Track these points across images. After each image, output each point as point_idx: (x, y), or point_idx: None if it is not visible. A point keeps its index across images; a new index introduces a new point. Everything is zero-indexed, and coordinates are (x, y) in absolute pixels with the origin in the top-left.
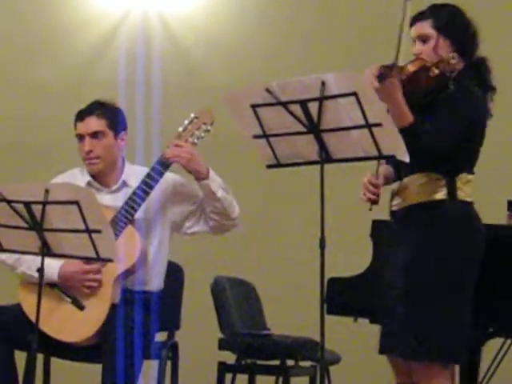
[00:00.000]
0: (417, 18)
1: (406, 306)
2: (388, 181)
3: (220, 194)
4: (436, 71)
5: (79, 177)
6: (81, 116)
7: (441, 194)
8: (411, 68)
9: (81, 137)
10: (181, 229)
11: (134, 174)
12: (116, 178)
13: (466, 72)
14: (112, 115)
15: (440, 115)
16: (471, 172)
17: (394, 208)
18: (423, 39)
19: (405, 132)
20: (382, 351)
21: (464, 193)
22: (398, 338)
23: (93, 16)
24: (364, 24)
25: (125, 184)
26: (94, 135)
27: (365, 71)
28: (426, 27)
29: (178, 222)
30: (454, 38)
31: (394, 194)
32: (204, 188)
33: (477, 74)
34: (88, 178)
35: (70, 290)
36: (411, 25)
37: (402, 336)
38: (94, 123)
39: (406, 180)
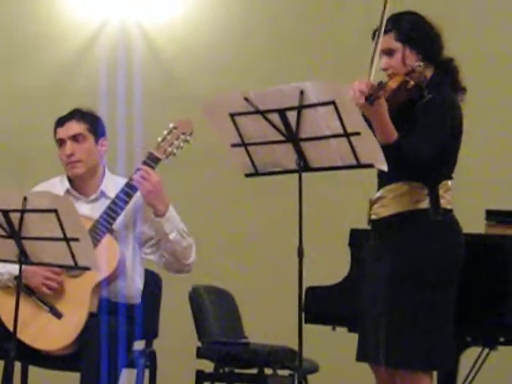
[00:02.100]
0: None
1: (390, 315)
2: None
3: (172, 236)
4: (412, 83)
5: (58, 185)
6: (61, 122)
7: (425, 203)
8: (393, 85)
9: (61, 142)
10: (141, 248)
11: (113, 185)
12: (95, 186)
13: (438, 77)
14: (91, 120)
15: (421, 125)
16: (451, 178)
17: (373, 217)
18: (388, 53)
19: (389, 148)
20: (359, 359)
21: (445, 200)
22: (381, 347)
23: (71, 26)
24: (344, 35)
25: (103, 194)
26: (75, 138)
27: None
28: (389, 41)
29: (139, 242)
30: (420, 46)
31: (372, 203)
32: (157, 225)
33: (447, 77)
34: (67, 186)
35: (31, 289)
36: (373, 40)
37: (386, 345)
38: (75, 127)
39: (385, 189)
